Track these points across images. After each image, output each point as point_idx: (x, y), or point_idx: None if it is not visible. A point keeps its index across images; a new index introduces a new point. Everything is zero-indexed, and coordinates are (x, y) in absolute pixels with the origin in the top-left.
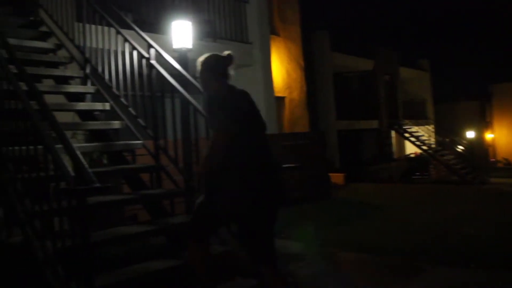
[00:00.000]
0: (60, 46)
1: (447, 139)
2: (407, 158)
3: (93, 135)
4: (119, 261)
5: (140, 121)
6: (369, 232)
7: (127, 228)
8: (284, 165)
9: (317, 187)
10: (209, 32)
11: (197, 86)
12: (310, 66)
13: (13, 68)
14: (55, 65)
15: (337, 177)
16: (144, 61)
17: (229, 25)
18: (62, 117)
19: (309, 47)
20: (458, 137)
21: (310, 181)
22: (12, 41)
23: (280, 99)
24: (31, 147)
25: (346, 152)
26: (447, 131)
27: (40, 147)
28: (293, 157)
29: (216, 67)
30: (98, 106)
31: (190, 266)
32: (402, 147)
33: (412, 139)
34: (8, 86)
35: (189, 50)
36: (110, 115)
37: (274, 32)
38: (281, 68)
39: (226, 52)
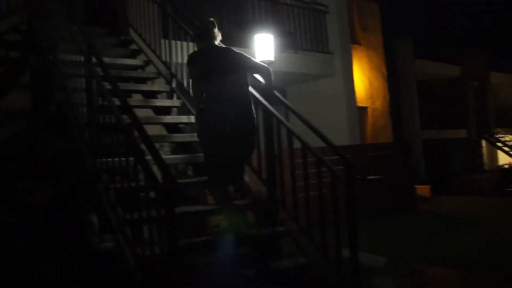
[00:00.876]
0: (148, 62)
1: None
2: (500, 169)
3: (178, 147)
4: (203, 270)
5: None
6: (459, 247)
7: (211, 238)
8: (368, 177)
9: (401, 199)
10: (290, 44)
11: (280, 98)
12: (392, 74)
13: (107, 85)
14: (143, 80)
15: (423, 189)
16: None
17: (310, 36)
18: (150, 130)
19: (392, 55)
20: None
21: (394, 193)
22: (106, 59)
23: (363, 109)
24: (123, 158)
25: (433, 163)
26: None
27: (131, 158)
28: (376, 168)
29: (198, 32)
30: (184, 119)
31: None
32: (494, 158)
33: (506, 148)
34: (102, 101)
35: (271, 62)
36: (194, 127)
37: (355, 41)
38: (362, 78)
39: (210, 19)
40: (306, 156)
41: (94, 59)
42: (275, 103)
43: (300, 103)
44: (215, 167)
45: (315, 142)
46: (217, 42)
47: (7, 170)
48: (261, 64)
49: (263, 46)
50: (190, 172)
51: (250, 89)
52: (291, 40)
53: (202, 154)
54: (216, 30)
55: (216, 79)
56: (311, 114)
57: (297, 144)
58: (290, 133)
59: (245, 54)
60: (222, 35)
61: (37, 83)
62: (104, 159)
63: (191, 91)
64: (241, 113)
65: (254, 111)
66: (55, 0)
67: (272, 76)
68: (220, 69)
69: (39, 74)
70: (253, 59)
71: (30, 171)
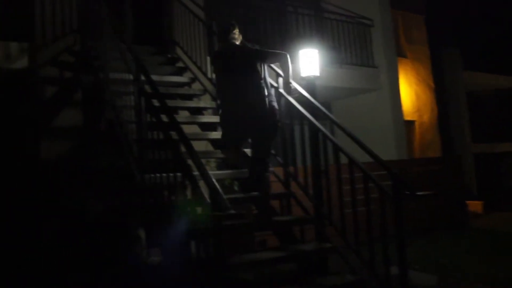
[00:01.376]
0: (194, 79)
1: None
2: None
3: (224, 163)
4: (250, 286)
5: None
6: None
7: (259, 254)
8: (417, 193)
9: (452, 215)
10: (335, 58)
11: (326, 113)
12: (440, 87)
13: (155, 102)
14: (190, 97)
15: (474, 205)
16: (273, 90)
17: (354, 50)
18: (196, 145)
19: (439, 67)
20: None
21: (444, 209)
22: (154, 77)
23: (410, 123)
24: (171, 174)
25: (485, 177)
26: None
27: (178, 174)
28: (425, 183)
29: (220, 33)
30: None
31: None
32: None
33: None
34: (151, 118)
35: (316, 77)
36: None
37: (400, 54)
38: (409, 91)
39: (231, 22)
40: (353, 172)
41: (142, 77)
42: (320, 118)
43: (346, 117)
44: (228, 137)
45: (361, 157)
46: (238, 42)
47: (60, 185)
48: (276, 52)
49: (308, 61)
50: (235, 188)
51: (295, 103)
52: (336, 54)
53: (247, 170)
54: (236, 31)
55: (233, 72)
56: (357, 129)
57: (343, 159)
58: (337, 148)
59: (261, 49)
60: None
61: (88, 101)
62: (152, 175)
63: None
64: (254, 100)
65: (273, 98)
66: (106, 21)
67: (289, 60)
68: (236, 64)
69: (90, 93)
70: (267, 50)
71: (82, 186)
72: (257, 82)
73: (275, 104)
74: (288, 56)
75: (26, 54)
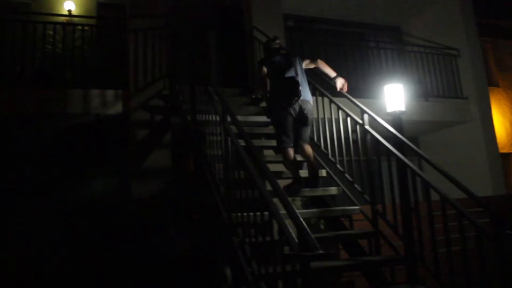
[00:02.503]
0: None
1: None
2: None
3: (310, 201)
4: None
5: (357, 186)
6: None
7: None
8: None
9: None
10: (420, 91)
11: (413, 148)
12: None
13: (241, 142)
14: (274, 136)
15: None
16: (358, 126)
17: (441, 82)
18: (282, 184)
19: None
20: None
21: None
22: (239, 117)
23: (506, 156)
24: (258, 213)
25: None
26: None
27: (265, 213)
28: None
29: (266, 46)
30: None
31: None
32: None
33: None
34: (237, 158)
35: (402, 112)
36: (326, 181)
37: (491, 83)
38: (503, 121)
39: (274, 35)
40: (445, 208)
41: (228, 118)
42: (408, 153)
43: (435, 152)
44: (281, 133)
45: (453, 192)
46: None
47: (149, 223)
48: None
49: (393, 96)
50: (322, 226)
51: (381, 139)
52: (421, 87)
53: (335, 208)
54: (278, 42)
55: (277, 74)
56: (447, 163)
57: (434, 196)
58: (427, 185)
59: (298, 58)
60: (349, 87)
61: (177, 142)
62: (239, 214)
63: (256, 83)
64: (293, 95)
65: (305, 89)
66: (193, 66)
67: (325, 65)
68: (279, 68)
69: (179, 134)
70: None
71: (170, 224)
72: (292, 77)
73: (305, 94)
74: (318, 60)
75: (121, 100)
